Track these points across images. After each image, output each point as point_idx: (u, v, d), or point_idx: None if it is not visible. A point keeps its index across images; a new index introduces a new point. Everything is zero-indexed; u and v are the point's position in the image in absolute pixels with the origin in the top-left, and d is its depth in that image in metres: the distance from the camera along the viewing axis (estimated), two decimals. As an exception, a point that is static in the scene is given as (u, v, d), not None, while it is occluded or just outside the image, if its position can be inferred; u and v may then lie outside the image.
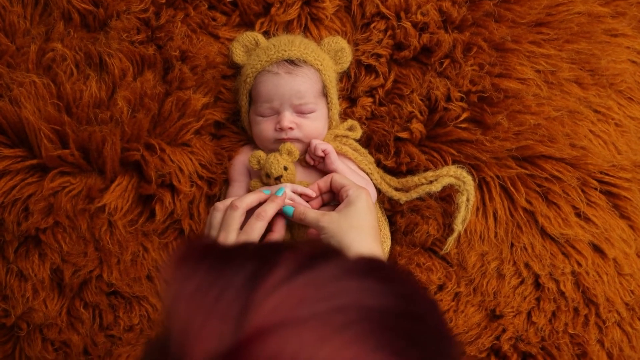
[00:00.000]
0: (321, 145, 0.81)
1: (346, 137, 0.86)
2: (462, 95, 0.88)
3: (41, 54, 0.85)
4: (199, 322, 0.35)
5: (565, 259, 0.88)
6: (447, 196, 0.88)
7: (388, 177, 0.88)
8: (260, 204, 0.75)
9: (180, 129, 0.85)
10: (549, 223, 0.88)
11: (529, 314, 0.90)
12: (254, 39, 0.86)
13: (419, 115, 0.88)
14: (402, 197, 0.86)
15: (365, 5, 0.89)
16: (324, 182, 0.79)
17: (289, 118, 0.80)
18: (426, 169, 0.88)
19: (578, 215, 0.89)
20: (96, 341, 0.89)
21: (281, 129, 0.80)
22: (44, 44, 0.85)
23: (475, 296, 0.90)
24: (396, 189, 0.87)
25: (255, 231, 0.71)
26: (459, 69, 0.88)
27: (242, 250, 0.42)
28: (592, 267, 0.89)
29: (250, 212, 0.74)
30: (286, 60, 0.81)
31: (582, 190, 0.88)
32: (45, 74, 0.84)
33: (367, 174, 0.87)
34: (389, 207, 0.91)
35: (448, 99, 0.88)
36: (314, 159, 0.83)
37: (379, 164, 0.90)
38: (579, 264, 0.88)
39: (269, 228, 0.75)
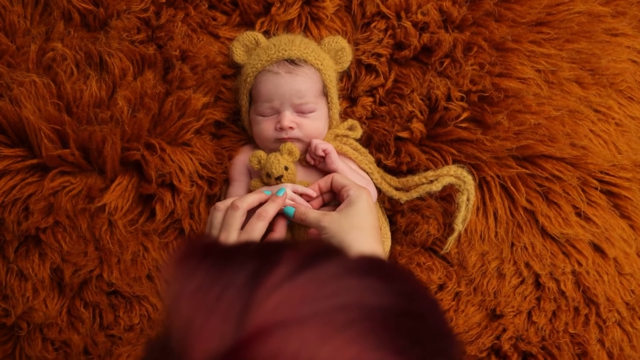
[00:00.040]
0: (322, 145, 0.81)
1: (346, 136, 0.86)
2: (462, 94, 0.88)
3: (41, 54, 0.85)
4: (200, 321, 0.35)
5: (565, 258, 0.88)
6: (448, 196, 0.88)
7: (388, 177, 0.88)
8: (261, 204, 0.75)
9: (180, 128, 0.85)
10: (549, 223, 0.88)
11: (529, 314, 0.90)
12: (254, 39, 0.86)
13: (419, 114, 0.88)
14: (403, 197, 0.86)
15: (366, 4, 0.89)
16: (324, 182, 0.79)
17: (289, 117, 0.80)
18: (426, 169, 0.88)
19: (578, 214, 0.89)
20: (96, 341, 0.89)
21: (281, 129, 0.80)
22: (44, 43, 0.85)
23: (476, 296, 0.90)
24: (396, 189, 0.87)
25: (256, 231, 0.71)
26: (459, 68, 0.88)
27: (243, 249, 0.42)
28: (593, 266, 0.89)
29: (251, 213, 0.74)
30: (286, 60, 0.81)
31: (583, 190, 0.88)
32: (45, 74, 0.84)
33: (367, 173, 0.87)
34: (390, 207, 0.91)
35: (448, 98, 0.88)
36: (315, 159, 0.83)
37: (379, 163, 0.90)
38: (580, 264, 0.88)
39: (270, 228, 0.75)
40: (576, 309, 0.90)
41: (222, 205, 0.74)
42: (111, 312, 0.88)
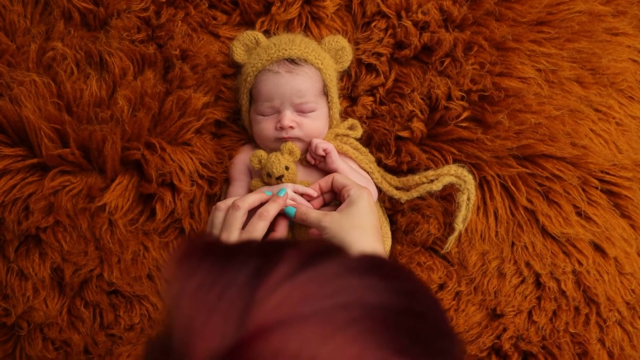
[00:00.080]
0: (322, 145, 0.81)
1: (347, 136, 0.86)
2: (462, 94, 0.88)
3: (41, 53, 0.85)
4: (201, 320, 0.35)
5: (566, 258, 0.88)
6: (448, 195, 0.88)
7: (389, 176, 0.88)
8: (262, 204, 0.75)
9: (180, 128, 0.85)
10: (549, 222, 0.88)
11: (529, 313, 0.90)
12: (255, 38, 0.86)
13: (419, 114, 0.88)
14: (403, 196, 0.86)
15: (366, 4, 0.89)
16: (325, 181, 0.79)
17: (289, 117, 0.80)
18: (427, 168, 0.88)
19: (579, 214, 0.89)
20: (97, 340, 0.89)
21: (282, 128, 0.80)
22: (44, 42, 0.85)
23: (476, 295, 0.90)
24: (397, 188, 0.87)
25: (257, 231, 0.71)
26: (459, 67, 0.88)
27: (244, 248, 0.42)
28: (593, 266, 0.89)
29: (252, 212, 0.74)
30: (287, 59, 0.81)
31: (583, 189, 0.88)
32: (45, 73, 0.84)
33: (367, 173, 0.87)
34: (390, 206, 0.91)
35: (449, 97, 0.88)
36: (315, 158, 0.82)
37: (379, 163, 0.90)
38: (580, 263, 0.88)
39: (271, 228, 0.75)
40: (577, 309, 0.90)
41: (223, 205, 0.74)
42: (111, 311, 0.88)
